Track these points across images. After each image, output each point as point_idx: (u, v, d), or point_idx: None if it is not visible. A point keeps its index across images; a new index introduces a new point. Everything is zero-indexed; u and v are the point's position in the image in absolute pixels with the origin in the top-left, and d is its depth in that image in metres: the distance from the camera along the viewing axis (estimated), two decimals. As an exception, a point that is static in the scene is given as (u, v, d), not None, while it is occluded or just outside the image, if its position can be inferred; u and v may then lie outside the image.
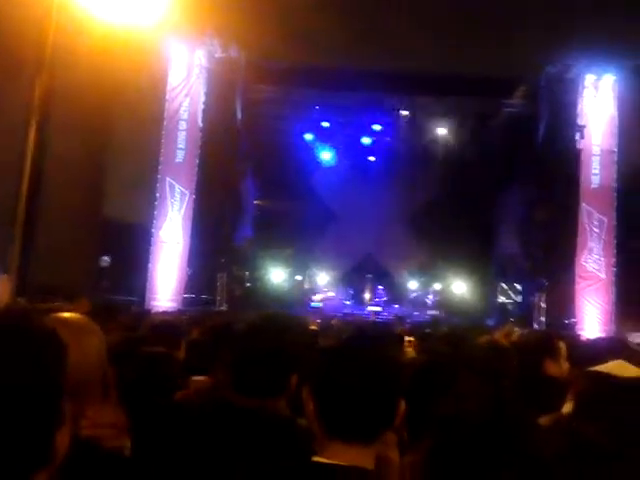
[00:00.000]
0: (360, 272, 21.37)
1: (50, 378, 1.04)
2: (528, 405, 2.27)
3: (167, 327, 3.47)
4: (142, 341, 3.43)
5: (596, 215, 15.16)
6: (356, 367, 1.47)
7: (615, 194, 15.33)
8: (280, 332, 1.88)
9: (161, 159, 15.39)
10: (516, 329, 8.65)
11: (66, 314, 1.72)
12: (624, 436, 1.39)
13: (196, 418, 1.76)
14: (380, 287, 21.09)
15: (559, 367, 2.60)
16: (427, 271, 21.32)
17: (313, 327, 7.92)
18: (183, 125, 15.47)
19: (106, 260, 14.49)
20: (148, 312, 9.46)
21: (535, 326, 15.47)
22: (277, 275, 20.14)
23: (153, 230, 15.17)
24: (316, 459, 1.47)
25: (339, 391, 1.46)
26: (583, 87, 15.49)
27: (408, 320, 14.01)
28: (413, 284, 21.74)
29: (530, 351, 2.64)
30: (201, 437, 1.70)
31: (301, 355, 1.90)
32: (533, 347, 2.67)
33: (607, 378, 1.56)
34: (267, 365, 1.79)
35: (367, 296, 21.35)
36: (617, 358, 1.77)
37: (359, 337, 2.16)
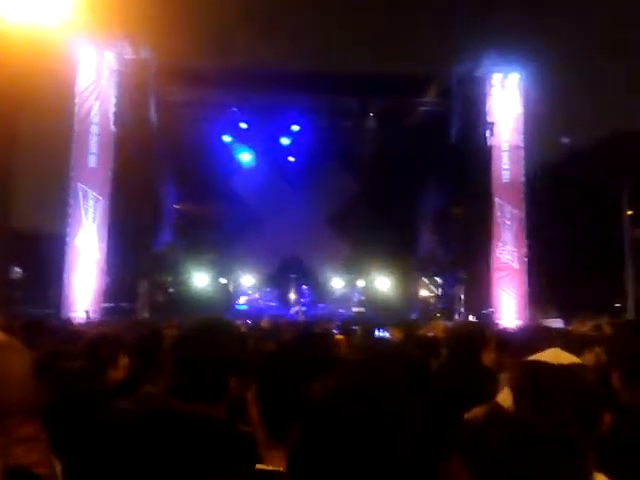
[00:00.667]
0: (284, 273, 21.37)
1: None
2: (464, 395, 2.33)
3: (105, 342, 3.32)
4: (63, 356, 3.27)
5: (508, 208, 15.86)
6: (301, 370, 1.45)
7: (523, 187, 16.10)
8: (215, 336, 1.85)
9: (72, 164, 14.78)
10: (440, 322, 8.94)
11: None
12: (564, 418, 1.44)
13: (132, 427, 1.69)
14: (305, 287, 21.17)
15: (490, 358, 2.69)
16: (351, 269, 21.60)
17: (242, 329, 7.83)
18: (95, 129, 14.92)
19: (18, 271, 13.79)
20: (70, 324, 9.05)
21: (456, 317, 16.03)
22: (201, 279, 19.81)
23: (67, 239, 14.55)
24: (260, 467, 1.44)
25: (284, 395, 1.43)
26: (491, 85, 16.15)
27: (335, 319, 14.14)
28: (337, 282, 21.97)
29: (465, 343, 2.72)
30: (138, 447, 1.64)
31: (237, 358, 1.88)
32: (468, 339, 2.74)
33: (545, 366, 1.62)
34: (205, 370, 1.75)
35: (292, 296, 21.39)
36: (543, 345, 1.84)
37: (300, 339, 2.14)
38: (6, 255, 13.62)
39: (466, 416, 2.19)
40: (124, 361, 3.27)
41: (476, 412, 2.15)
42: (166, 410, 1.71)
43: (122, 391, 3.04)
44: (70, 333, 5.27)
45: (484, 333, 2.85)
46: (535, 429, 1.22)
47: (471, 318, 15.30)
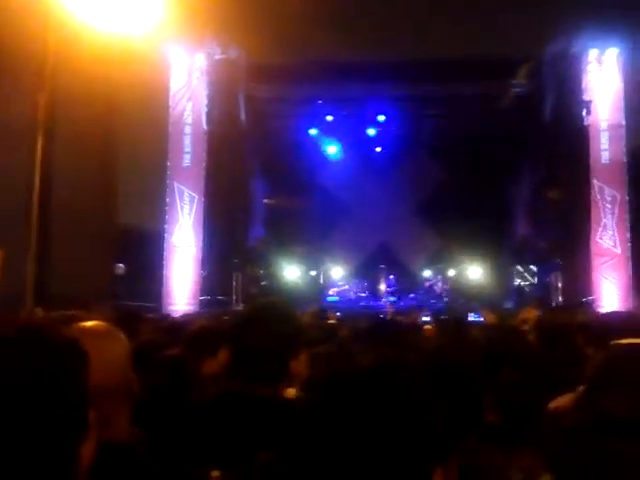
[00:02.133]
0: (374, 263, 21.33)
1: (73, 388, 1.05)
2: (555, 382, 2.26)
3: (206, 333, 3.49)
4: (161, 346, 3.46)
5: (607, 191, 15.02)
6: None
7: (625, 168, 15.18)
8: (271, 318, 1.88)
9: (168, 164, 15.46)
10: (533, 309, 8.64)
11: (87, 323, 1.73)
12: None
13: (209, 415, 1.77)
14: (391, 276, 21.04)
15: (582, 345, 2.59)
16: (441, 258, 21.25)
17: (332, 321, 7.93)
18: (188, 129, 15.51)
19: (121, 267, 14.59)
20: (169, 316, 9.52)
21: (553, 305, 15.39)
22: (291, 272, 20.17)
23: (165, 235, 15.27)
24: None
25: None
26: (587, 62, 15.32)
27: (425, 309, 13.98)
28: (428, 272, 21.68)
29: (553, 332, 2.64)
30: (217, 432, 1.71)
31: (294, 340, 1.90)
32: (560, 324, 2.66)
33: (624, 347, 1.56)
34: (261, 353, 1.80)
35: (382, 287, 21.32)
36: (633, 333, 1.76)
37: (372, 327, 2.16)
38: (111, 252, 14.46)
39: (550, 405, 2.13)
40: (223, 355, 3.40)
41: (561, 401, 2.09)
42: (228, 394, 1.78)
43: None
44: (168, 325, 5.55)
45: (573, 321, 2.75)
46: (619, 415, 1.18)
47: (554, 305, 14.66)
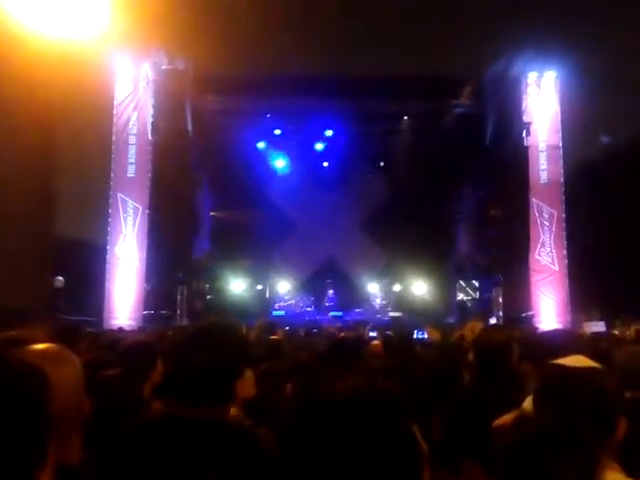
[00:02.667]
0: (321, 278, 21.39)
1: (36, 414, 1.02)
2: (492, 403, 2.31)
3: (143, 347, 3.41)
4: (101, 364, 3.35)
5: (546, 209, 15.58)
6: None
7: (562, 187, 15.79)
8: (216, 340, 1.86)
9: (112, 175, 15.13)
10: (479, 324, 8.82)
11: (38, 345, 1.67)
12: (581, 421, 1.44)
13: (145, 440, 1.72)
14: (330, 291, 21.19)
15: (518, 363, 2.66)
16: (387, 273, 21.50)
17: (275, 337, 7.87)
18: (133, 139, 15.24)
19: (60, 280, 14.15)
20: (112, 331, 9.27)
21: (493, 321, 15.79)
22: (238, 286, 20.01)
23: (108, 247, 14.89)
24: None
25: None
26: (526, 84, 15.90)
27: (371, 324, 14.08)
28: (374, 287, 21.89)
29: (492, 350, 2.70)
30: (155, 459, 1.67)
31: (239, 362, 1.88)
32: (495, 346, 2.72)
33: (566, 369, 1.61)
34: (204, 374, 1.77)
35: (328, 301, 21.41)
36: (571, 351, 1.82)
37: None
38: (50, 264, 13.99)
39: (495, 423, 2.17)
40: (160, 366, 3.34)
41: (504, 419, 2.13)
42: (167, 417, 1.73)
43: (159, 393, 3.11)
44: (107, 341, 5.39)
45: (511, 339, 2.82)
46: (546, 431, 1.22)
47: (493, 321, 15.04)
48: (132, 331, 9.55)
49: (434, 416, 1.92)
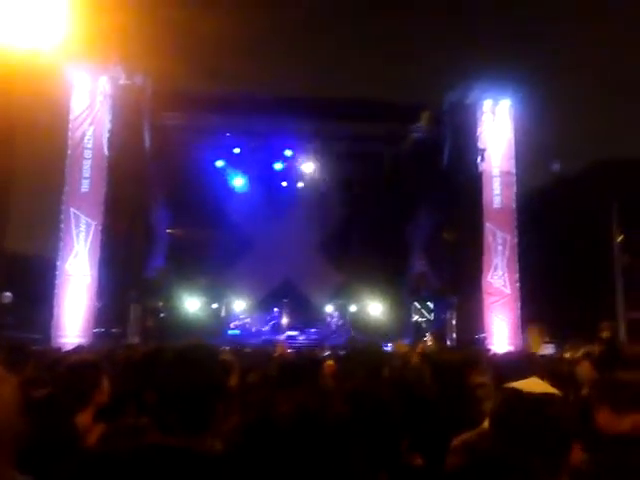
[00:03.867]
0: (277, 297, 21.31)
1: None
2: (454, 420, 2.33)
3: (87, 365, 3.29)
4: (35, 383, 3.24)
5: (499, 234, 15.92)
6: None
7: (515, 213, 16.20)
8: (201, 364, 1.79)
9: (65, 189, 14.79)
10: (429, 343, 8.94)
11: None
12: (532, 447, 1.46)
13: (118, 468, 1.65)
14: (275, 309, 21.21)
15: (477, 383, 2.69)
16: (343, 294, 21.57)
17: (225, 356, 7.76)
18: (88, 154, 14.95)
19: (8, 296, 13.70)
20: (58, 350, 8.98)
21: (447, 342, 15.98)
22: (192, 304, 19.72)
23: (58, 263, 14.48)
24: None
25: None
26: (482, 112, 16.33)
27: (326, 344, 14.07)
28: (330, 307, 21.91)
29: (452, 370, 2.72)
30: None
31: (222, 386, 1.83)
32: (454, 366, 2.74)
33: (519, 395, 1.63)
34: (192, 401, 1.70)
35: (285, 321, 21.30)
36: (527, 373, 1.85)
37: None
38: (-3, 280, 13.54)
39: (454, 442, 2.18)
40: (106, 384, 3.24)
41: (463, 438, 2.14)
42: (155, 447, 1.67)
43: (107, 414, 3.01)
44: (51, 360, 5.21)
45: (471, 359, 2.86)
46: (495, 458, 1.24)
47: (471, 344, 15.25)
48: (78, 349, 9.24)
49: (403, 440, 1.92)
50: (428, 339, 15.96)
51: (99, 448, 1.86)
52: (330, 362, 6.46)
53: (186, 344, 1.87)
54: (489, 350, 12.54)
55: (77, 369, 3.26)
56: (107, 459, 1.69)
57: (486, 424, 1.96)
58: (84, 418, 3.04)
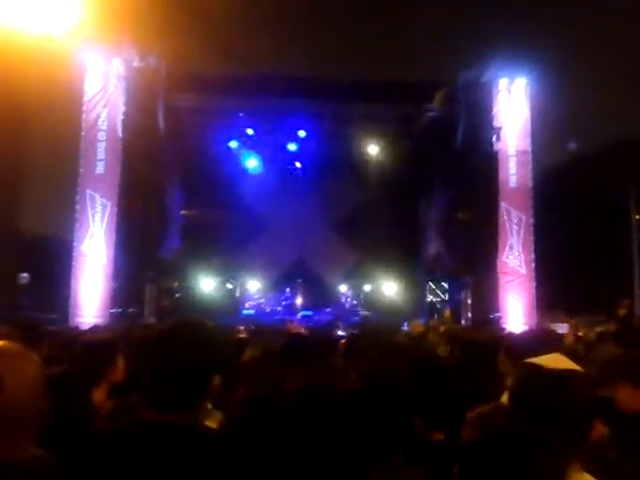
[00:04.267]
0: (291, 278, 21.39)
1: None
2: (475, 396, 2.33)
3: (101, 344, 3.34)
4: (51, 362, 3.28)
5: (514, 213, 15.81)
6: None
7: (531, 192, 16.06)
8: (192, 338, 1.77)
9: (80, 171, 14.88)
10: (417, 322, 8.97)
11: None
12: (552, 423, 1.46)
13: (113, 446, 1.67)
14: (287, 289, 21.27)
15: (500, 362, 2.70)
16: (357, 274, 21.59)
17: (241, 335, 7.84)
18: (102, 136, 15.00)
19: (25, 277, 13.87)
20: (75, 329, 9.09)
21: (462, 322, 15.98)
22: (207, 285, 19.86)
23: (75, 244, 14.63)
24: None
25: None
26: (497, 90, 16.12)
27: (341, 323, 14.14)
28: (344, 287, 21.96)
29: (479, 350, 2.73)
30: (124, 465, 1.62)
31: (217, 360, 1.80)
32: (481, 346, 2.76)
33: (541, 370, 1.64)
34: (182, 377, 1.69)
35: (299, 301, 21.40)
36: (547, 350, 1.85)
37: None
38: (14, 261, 13.69)
39: (469, 415, 2.19)
40: (121, 363, 3.28)
41: (479, 411, 2.15)
42: (145, 424, 1.68)
43: (121, 392, 3.05)
44: (70, 337, 5.28)
45: (498, 340, 2.86)
46: (510, 430, 1.25)
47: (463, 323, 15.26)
48: (94, 328, 9.34)
49: (416, 416, 1.93)
50: (445, 316, 15.98)
51: (101, 426, 1.88)
52: (342, 341, 6.51)
53: (176, 321, 1.86)
54: (504, 329, 12.54)
55: (93, 347, 3.30)
56: (105, 439, 1.71)
57: (504, 398, 1.97)
58: (98, 395, 3.09)
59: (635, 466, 1.83)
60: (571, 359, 1.80)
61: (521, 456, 1.23)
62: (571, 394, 1.58)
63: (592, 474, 1.55)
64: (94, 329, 8.75)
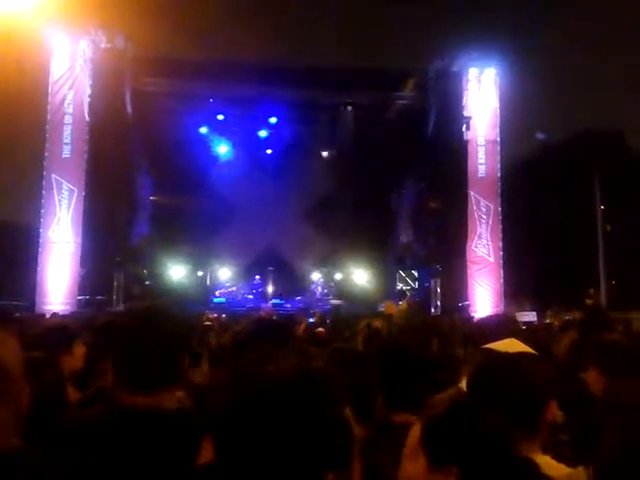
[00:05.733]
0: (262, 265, 21.32)
1: None
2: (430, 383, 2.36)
3: (57, 330, 3.28)
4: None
5: (483, 202, 16.01)
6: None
7: (499, 182, 16.27)
8: (158, 321, 1.79)
9: (46, 155, 14.58)
10: (392, 303, 9.13)
11: None
12: (507, 407, 1.49)
13: (83, 430, 1.65)
14: (257, 277, 21.21)
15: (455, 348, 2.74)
16: (328, 262, 21.64)
17: (207, 323, 7.84)
18: (69, 119, 14.71)
19: (-11, 264, 13.58)
20: (40, 316, 8.97)
21: (432, 310, 16.17)
22: (177, 272, 19.68)
23: (41, 230, 14.36)
24: None
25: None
26: (467, 80, 16.25)
27: (312, 311, 14.17)
28: (315, 275, 22.00)
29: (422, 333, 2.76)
30: (95, 449, 1.61)
31: (184, 341, 1.83)
32: (424, 329, 2.79)
33: (497, 354, 1.66)
34: (153, 357, 1.70)
35: (270, 289, 21.38)
36: (506, 335, 1.88)
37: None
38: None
39: (430, 401, 2.22)
40: (80, 350, 3.22)
41: (438, 397, 2.18)
42: (119, 409, 1.67)
43: (79, 380, 3.02)
44: (33, 325, 5.21)
45: (449, 324, 2.90)
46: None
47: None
48: (54, 316, 9.18)
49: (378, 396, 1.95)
50: (400, 308, 16.12)
51: (71, 417, 1.86)
52: (320, 329, 6.59)
53: (143, 305, 1.88)
54: (472, 317, 12.73)
55: (49, 332, 3.25)
56: (79, 429, 1.69)
57: (463, 384, 1.99)
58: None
59: (587, 449, 1.88)
60: (532, 345, 1.83)
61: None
62: (525, 376, 1.60)
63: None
64: (53, 316, 8.63)
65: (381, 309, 9.17)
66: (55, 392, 2.47)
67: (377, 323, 5.99)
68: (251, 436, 1.01)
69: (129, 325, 1.80)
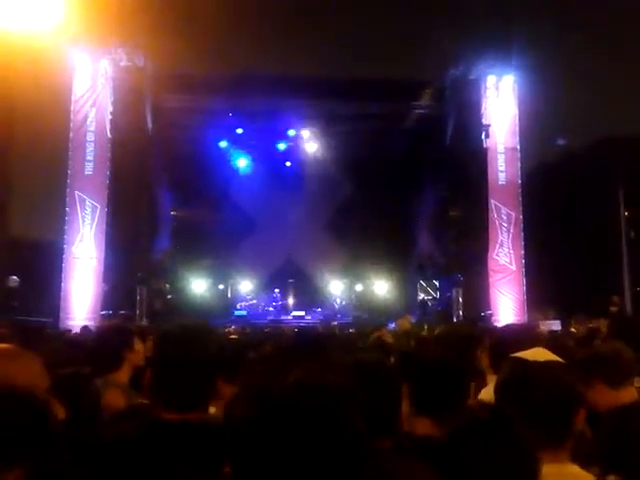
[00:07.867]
0: (282, 277, 21.34)
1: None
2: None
3: (117, 330, 3.30)
4: (64, 363, 3.26)
5: (504, 210, 15.87)
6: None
7: (520, 189, 16.12)
8: (196, 339, 1.83)
9: (69, 172, 14.80)
10: (405, 320, 9.03)
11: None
12: (536, 416, 1.48)
13: (127, 447, 1.67)
14: (276, 290, 21.18)
15: (481, 357, 2.71)
16: (348, 273, 21.59)
17: (233, 336, 7.84)
18: (91, 136, 14.93)
19: (15, 280, 13.79)
20: (68, 332, 9.06)
21: (454, 320, 16.02)
22: (199, 286, 19.80)
23: (65, 246, 14.55)
24: None
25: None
26: (485, 88, 16.18)
27: (333, 323, 14.14)
28: (335, 286, 21.95)
29: (454, 343, 2.74)
30: (135, 465, 1.62)
31: (219, 360, 1.86)
32: (457, 339, 2.77)
33: (525, 363, 1.64)
34: (191, 375, 1.73)
35: (290, 301, 21.38)
36: (530, 344, 1.86)
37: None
38: (4, 264, 13.61)
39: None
40: (140, 347, 3.22)
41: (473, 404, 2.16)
42: (157, 424, 1.69)
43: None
44: (68, 341, 5.27)
45: (474, 333, 2.88)
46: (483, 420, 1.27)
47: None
48: (85, 329, 9.24)
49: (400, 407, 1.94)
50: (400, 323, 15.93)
51: (107, 433, 1.88)
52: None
53: (178, 323, 1.91)
54: (495, 327, 12.58)
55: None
56: (111, 446, 1.71)
57: (483, 395, 1.97)
58: (120, 377, 3.07)
59: (617, 458, 1.85)
60: (561, 354, 1.81)
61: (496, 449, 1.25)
62: (554, 385, 1.58)
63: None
64: (85, 330, 8.72)
65: (391, 326, 9.05)
66: (89, 407, 2.49)
67: (389, 338, 5.93)
68: (263, 453, 1.02)
69: (165, 347, 1.83)
